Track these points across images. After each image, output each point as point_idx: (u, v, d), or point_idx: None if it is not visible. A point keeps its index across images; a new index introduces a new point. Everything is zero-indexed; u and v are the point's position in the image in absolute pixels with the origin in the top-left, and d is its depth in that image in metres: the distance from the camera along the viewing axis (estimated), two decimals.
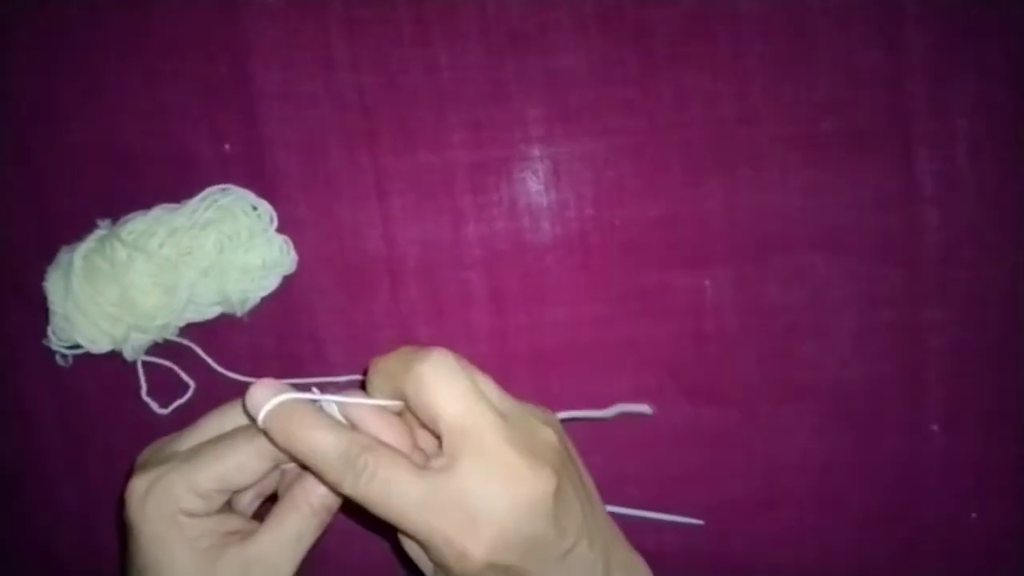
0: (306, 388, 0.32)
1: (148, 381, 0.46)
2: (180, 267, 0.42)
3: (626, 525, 0.45)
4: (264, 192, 0.45)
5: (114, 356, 0.44)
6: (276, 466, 0.33)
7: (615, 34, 0.44)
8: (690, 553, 0.46)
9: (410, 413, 0.32)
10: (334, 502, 0.33)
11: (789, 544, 0.46)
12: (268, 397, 0.30)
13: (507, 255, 0.45)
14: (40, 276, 0.43)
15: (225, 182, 0.44)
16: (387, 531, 0.33)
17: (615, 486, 0.45)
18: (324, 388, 0.32)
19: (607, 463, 0.45)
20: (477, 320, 0.45)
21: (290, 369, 0.46)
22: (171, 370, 0.46)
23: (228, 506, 0.34)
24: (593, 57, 0.44)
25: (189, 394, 0.46)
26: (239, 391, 0.36)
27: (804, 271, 0.44)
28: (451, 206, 0.45)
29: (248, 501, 0.36)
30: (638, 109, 0.44)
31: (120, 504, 0.33)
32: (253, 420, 0.31)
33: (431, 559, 0.31)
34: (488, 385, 0.32)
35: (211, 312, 0.45)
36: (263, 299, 0.45)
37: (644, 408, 0.45)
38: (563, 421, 0.36)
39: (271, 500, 0.36)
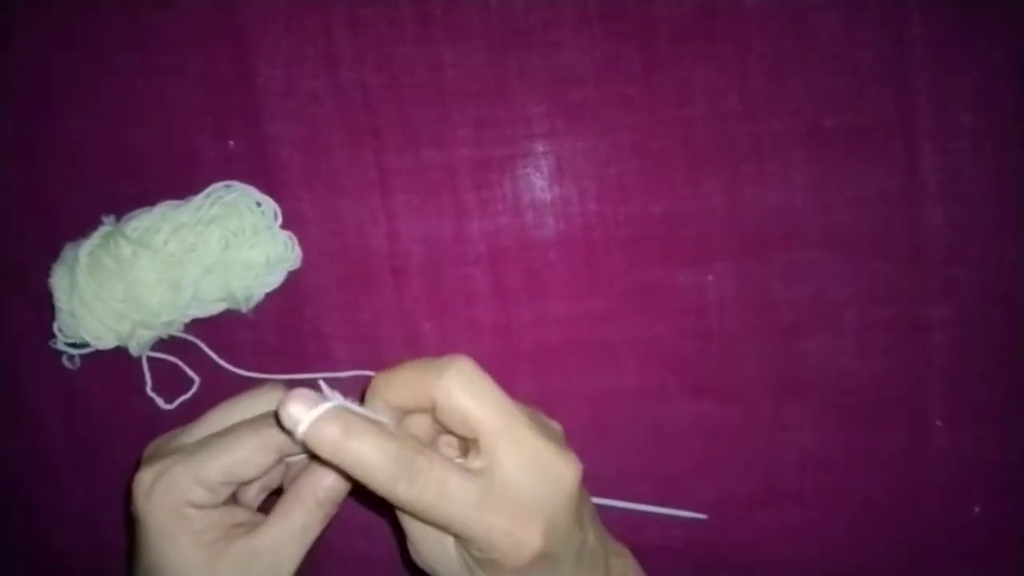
0: (311, 384, 0.32)
1: (153, 377, 0.46)
2: (185, 263, 0.42)
3: (630, 520, 0.45)
4: (268, 189, 0.45)
5: (119, 352, 0.44)
6: (281, 459, 0.34)
7: (618, 31, 0.44)
8: (693, 548, 0.46)
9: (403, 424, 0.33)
10: (339, 495, 0.33)
11: (791, 539, 0.46)
12: (305, 410, 0.29)
13: (510, 251, 0.45)
14: (45, 273, 0.43)
15: (229, 179, 0.45)
16: (393, 520, 0.33)
17: (619, 482, 0.45)
18: (329, 383, 0.32)
19: (611, 459, 0.45)
20: (480, 316, 0.46)
21: (294, 365, 0.46)
22: (176, 366, 0.46)
23: (234, 499, 0.35)
24: (596, 54, 0.44)
25: (194, 389, 0.46)
26: (244, 386, 0.37)
27: (807, 268, 0.44)
28: (454, 203, 0.45)
29: (254, 494, 0.36)
30: (641, 106, 0.44)
31: (127, 496, 0.33)
32: (290, 433, 0.29)
33: (477, 554, 0.31)
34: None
35: (216, 308, 0.45)
36: (267, 295, 0.45)
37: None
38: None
39: (276, 494, 0.36)
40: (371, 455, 0.29)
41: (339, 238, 0.45)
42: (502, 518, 0.30)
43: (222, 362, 0.46)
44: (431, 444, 0.33)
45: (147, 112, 0.45)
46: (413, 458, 0.29)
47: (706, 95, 0.44)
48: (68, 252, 0.43)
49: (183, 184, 0.45)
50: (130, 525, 0.34)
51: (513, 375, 0.46)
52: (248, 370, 0.46)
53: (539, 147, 0.45)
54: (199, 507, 0.32)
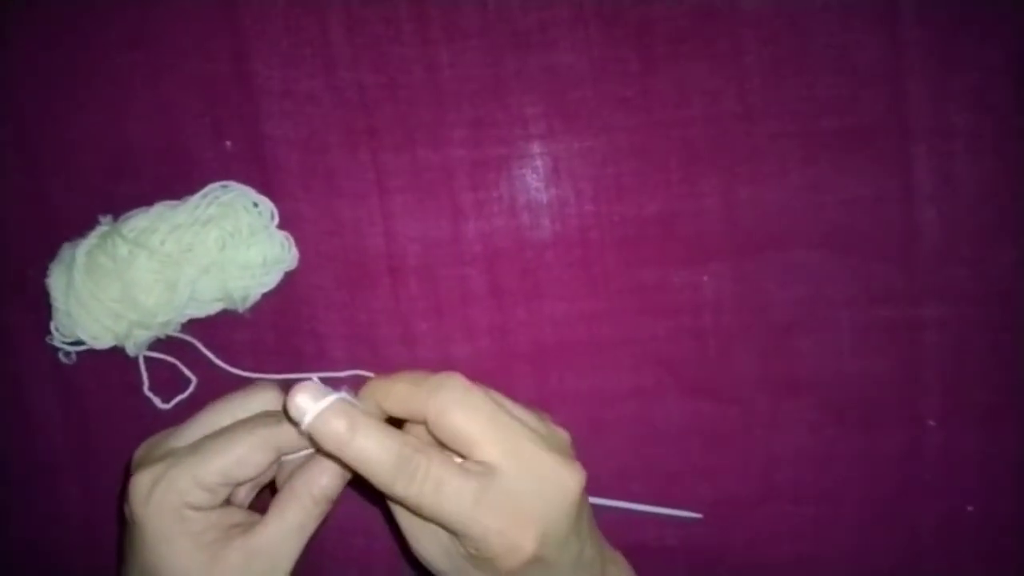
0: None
1: (150, 376, 0.46)
2: (182, 263, 0.42)
3: (626, 520, 0.45)
4: (265, 189, 0.45)
5: (116, 352, 0.44)
6: (277, 458, 0.34)
7: (615, 32, 0.44)
8: (689, 547, 0.46)
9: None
10: (334, 493, 0.34)
11: (787, 539, 0.46)
12: (312, 401, 0.30)
13: (507, 252, 0.45)
14: (42, 273, 0.43)
15: (226, 179, 0.45)
16: (388, 513, 0.34)
17: (615, 481, 0.45)
18: (326, 383, 0.32)
19: (607, 458, 0.45)
20: (477, 316, 0.46)
21: (291, 365, 0.46)
22: (173, 365, 0.46)
23: (226, 499, 0.35)
24: (593, 55, 0.44)
25: (191, 389, 0.46)
26: (240, 386, 0.37)
27: (802, 268, 0.44)
28: (451, 203, 0.45)
29: (244, 493, 0.36)
30: (637, 106, 0.44)
31: (121, 500, 0.33)
32: (296, 424, 0.30)
33: (472, 552, 0.31)
34: (503, 398, 0.33)
35: (213, 308, 0.45)
36: (264, 295, 0.45)
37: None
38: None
39: (268, 489, 0.36)
40: (373, 450, 0.30)
41: (336, 238, 0.45)
42: (497, 519, 0.30)
43: (219, 362, 0.46)
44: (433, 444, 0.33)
45: (144, 112, 0.45)
46: (413, 456, 0.30)
47: (702, 96, 0.44)
48: (65, 252, 0.44)
49: (180, 184, 0.45)
50: (123, 528, 0.33)
51: (509, 375, 0.46)
52: (245, 370, 0.46)
53: (536, 148, 0.45)
54: (199, 508, 0.32)
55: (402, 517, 0.33)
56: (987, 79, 0.43)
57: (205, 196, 0.44)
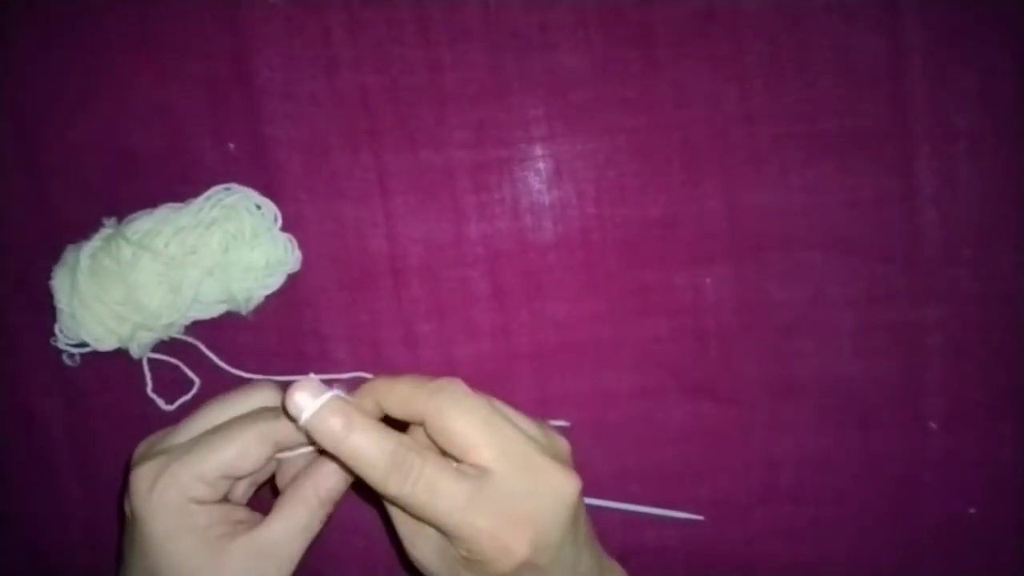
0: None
1: (154, 378, 0.46)
2: (185, 266, 0.43)
3: (627, 521, 0.45)
4: (268, 191, 0.45)
5: (120, 354, 0.45)
6: (275, 453, 0.34)
7: (616, 34, 0.44)
8: (690, 548, 0.46)
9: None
10: (339, 494, 0.34)
11: (788, 540, 0.46)
12: (310, 398, 0.30)
13: (509, 253, 0.45)
14: (46, 275, 0.44)
15: (229, 181, 0.45)
16: (388, 518, 0.34)
17: (616, 482, 0.45)
18: (328, 384, 0.32)
19: (609, 459, 0.45)
20: (479, 318, 0.46)
21: (293, 366, 0.46)
22: (177, 367, 0.46)
23: (225, 497, 0.35)
24: (595, 56, 0.44)
25: (194, 391, 0.46)
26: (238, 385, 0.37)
27: (804, 269, 0.45)
28: (453, 205, 0.45)
29: (242, 491, 0.36)
30: (639, 108, 0.44)
31: (122, 496, 0.33)
32: (294, 420, 0.31)
33: (464, 554, 0.31)
34: (503, 405, 0.33)
35: (216, 310, 0.45)
36: (267, 297, 0.45)
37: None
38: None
39: (266, 487, 0.37)
40: (368, 448, 0.30)
41: (338, 240, 0.46)
42: (489, 522, 0.30)
43: (222, 364, 0.46)
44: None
45: (147, 115, 0.45)
46: (407, 455, 0.30)
47: (704, 98, 0.44)
48: (69, 254, 0.44)
49: (182, 186, 0.45)
50: (124, 525, 0.33)
51: (511, 376, 0.46)
52: (248, 371, 0.46)
53: (537, 150, 0.45)
54: (201, 503, 0.32)
55: (398, 520, 0.34)
56: (988, 80, 0.43)
57: (209, 198, 0.44)
